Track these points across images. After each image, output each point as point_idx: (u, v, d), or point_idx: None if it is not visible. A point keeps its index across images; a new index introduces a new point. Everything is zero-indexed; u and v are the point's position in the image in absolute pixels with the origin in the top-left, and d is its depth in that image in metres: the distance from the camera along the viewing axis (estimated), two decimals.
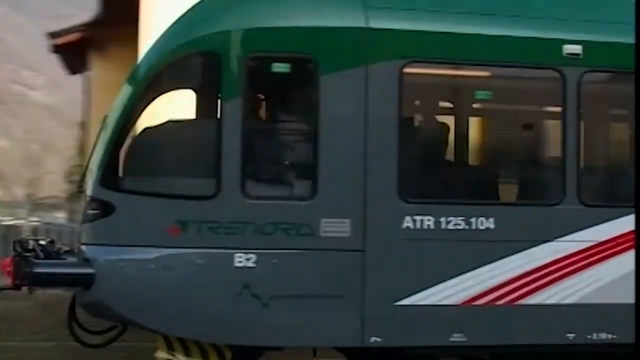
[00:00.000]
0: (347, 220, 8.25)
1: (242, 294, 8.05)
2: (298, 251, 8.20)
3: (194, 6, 8.80)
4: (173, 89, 9.26)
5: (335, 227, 8.23)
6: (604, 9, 9.48)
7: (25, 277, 8.10)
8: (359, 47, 8.45)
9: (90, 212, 8.31)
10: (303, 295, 8.25)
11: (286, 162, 8.55)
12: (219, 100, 8.28)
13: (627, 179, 8.95)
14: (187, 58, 8.60)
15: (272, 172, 8.48)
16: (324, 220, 8.21)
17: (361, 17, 8.49)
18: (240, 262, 8.04)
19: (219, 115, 8.30)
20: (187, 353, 8.74)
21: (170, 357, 8.83)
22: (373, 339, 8.36)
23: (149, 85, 8.57)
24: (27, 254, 8.26)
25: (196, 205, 8.14)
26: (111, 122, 8.53)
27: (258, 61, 8.42)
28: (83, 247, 8.42)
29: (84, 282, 8.10)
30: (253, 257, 8.06)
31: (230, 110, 8.18)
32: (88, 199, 8.44)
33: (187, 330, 8.34)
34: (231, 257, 8.03)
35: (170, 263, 8.12)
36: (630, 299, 8.66)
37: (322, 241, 8.23)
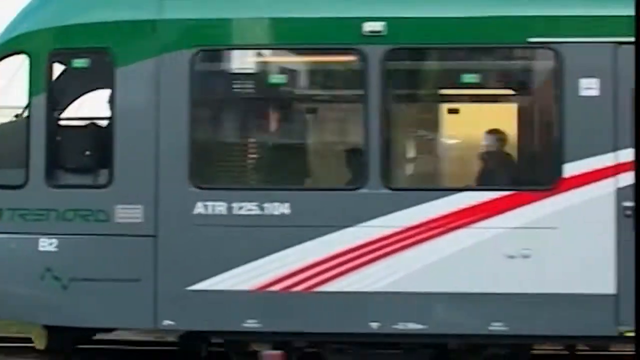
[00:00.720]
0: (140, 207, 8.52)
1: (44, 277, 8.61)
2: (95, 236, 8.61)
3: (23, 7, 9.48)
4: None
5: (129, 213, 8.54)
6: None
7: None
8: (153, 38, 8.67)
9: None
10: (100, 278, 8.60)
11: (87, 152, 8.84)
12: (28, 96, 8.89)
13: (434, 161, 8.49)
14: (6, 57, 9.18)
15: (73, 162, 8.83)
16: (118, 206, 8.56)
17: (156, 8, 8.70)
18: (43, 246, 8.62)
19: (27, 111, 8.92)
20: None
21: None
22: (166, 322, 8.58)
23: None
24: None
25: (10, 194, 8.82)
26: None
27: (59, 57, 8.94)
28: None
29: None
30: (55, 241, 8.59)
31: (36, 105, 8.79)
32: None
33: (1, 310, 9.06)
34: (36, 242, 8.62)
35: None
36: (442, 287, 8.34)
37: (117, 227, 8.58)
